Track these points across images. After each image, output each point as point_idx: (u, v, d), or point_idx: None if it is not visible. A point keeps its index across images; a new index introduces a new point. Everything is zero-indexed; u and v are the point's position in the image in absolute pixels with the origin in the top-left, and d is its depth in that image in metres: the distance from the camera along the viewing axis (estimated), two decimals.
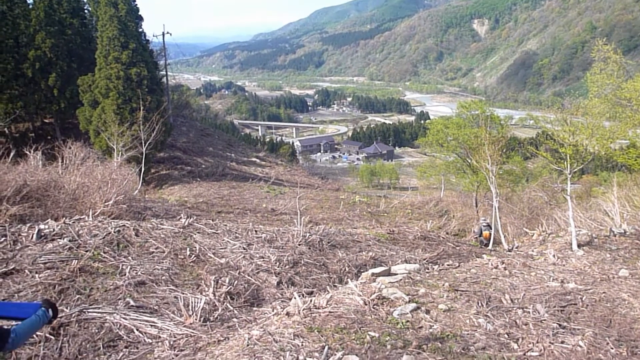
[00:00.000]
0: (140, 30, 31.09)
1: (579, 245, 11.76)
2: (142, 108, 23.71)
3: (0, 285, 6.87)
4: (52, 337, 5.80)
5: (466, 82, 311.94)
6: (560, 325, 6.11)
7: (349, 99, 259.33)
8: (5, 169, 12.74)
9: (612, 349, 5.43)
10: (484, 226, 16.43)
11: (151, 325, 6.31)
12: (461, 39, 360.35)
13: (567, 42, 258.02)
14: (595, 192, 29.95)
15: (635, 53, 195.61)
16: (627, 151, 14.78)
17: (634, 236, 12.71)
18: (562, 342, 5.53)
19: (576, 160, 12.22)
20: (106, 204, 12.06)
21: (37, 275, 7.19)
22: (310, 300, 6.54)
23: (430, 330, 5.75)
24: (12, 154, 14.30)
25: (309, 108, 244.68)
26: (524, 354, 5.22)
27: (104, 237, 8.82)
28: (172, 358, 5.40)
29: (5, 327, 2.87)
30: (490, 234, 16.14)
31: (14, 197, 11.14)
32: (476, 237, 16.83)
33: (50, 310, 3.20)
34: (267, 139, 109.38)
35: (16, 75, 29.18)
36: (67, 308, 6.48)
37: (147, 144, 22.14)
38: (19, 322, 3.02)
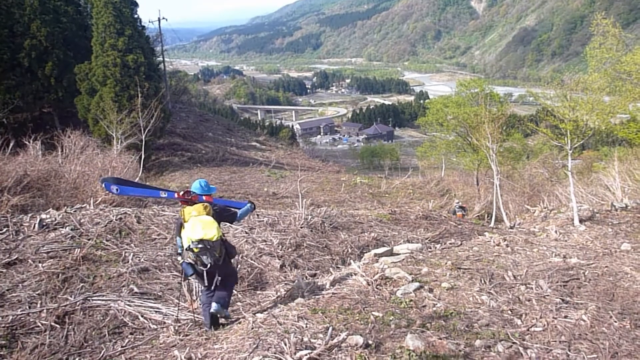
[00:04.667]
0: (136, 16, 30.82)
1: (580, 221, 11.78)
2: (140, 95, 23.55)
3: (4, 275, 6.89)
4: (58, 326, 5.83)
5: (465, 61, 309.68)
6: (563, 300, 6.13)
7: (348, 81, 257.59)
8: (5, 159, 12.73)
9: (615, 322, 5.45)
10: (457, 208, 17.65)
11: (155, 311, 6.35)
12: (459, 16, 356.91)
13: (565, 17, 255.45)
14: (596, 167, 29.88)
15: (634, 26, 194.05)
16: (627, 125, 14.74)
17: (636, 210, 12.72)
18: (566, 317, 5.56)
19: (577, 136, 12.18)
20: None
21: (40, 264, 7.22)
22: (314, 282, 6.56)
23: (434, 308, 5.77)
24: (11, 145, 14.25)
25: (308, 90, 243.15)
26: (528, 330, 5.25)
27: (106, 225, 8.84)
28: (177, 343, 5.43)
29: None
30: (462, 215, 17.21)
31: (15, 187, 11.14)
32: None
33: (252, 205, 6.32)
34: (267, 123, 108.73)
35: (12, 65, 28.94)
36: (71, 296, 6.51)
37: (146, 131, 22.03)
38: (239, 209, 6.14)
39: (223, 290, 5.79)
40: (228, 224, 6.76)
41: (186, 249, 5.48)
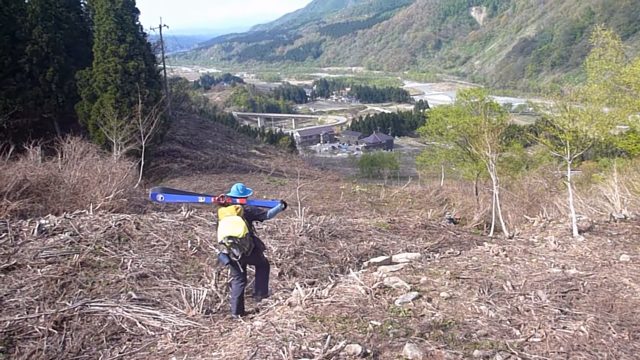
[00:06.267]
0: (137, 23, 31.00)
1: (579, 232, 11.78)
2: (140, 101, 23.63)
3: (3, 280, 6.88)
4: (55, 331, 5.82)
5: (465, 70, 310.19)
6: (562, 310, 6.12)
7: (348, 89, 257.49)
8: (4, 164, 12.72)
9: (614, 333, 5.44)
10: (447, 220, 17.86)
11: (154, 318, 6.33)
12: (459, 26, 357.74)
13: (565, 28, 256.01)
14: (595, 178, 29.93)
15: (634, 38, 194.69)
16: (626, 136, 14.77)
17: (635, 221, 12.72)
18: (564, 328, 5.55)
19: (576, 147, 12.19)
20: (106, 198, 12.07)
21: (38, 269, 7.21)
22: (312, 290, 6.55)
23: (433, 318, 5.75)
24: (11, 150, 14.25)
25: (308, 99, 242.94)
26: (526, 340, 5.24)
27: (105, 231, 8.82)
28: (175, 350, 5.42)
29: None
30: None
31: (14, 192, 11.13)
32: None
33: (283, 204, 6.95)
34: (267, 131, 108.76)
35: (14, 71, 29.03)
36: (69, 302, 6.50)
37: (146, 138, 22.10)
38: (270, 208, 6.92)
39: (260, 280, 7.05)
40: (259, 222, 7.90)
41: (220, 243, 6.44)
